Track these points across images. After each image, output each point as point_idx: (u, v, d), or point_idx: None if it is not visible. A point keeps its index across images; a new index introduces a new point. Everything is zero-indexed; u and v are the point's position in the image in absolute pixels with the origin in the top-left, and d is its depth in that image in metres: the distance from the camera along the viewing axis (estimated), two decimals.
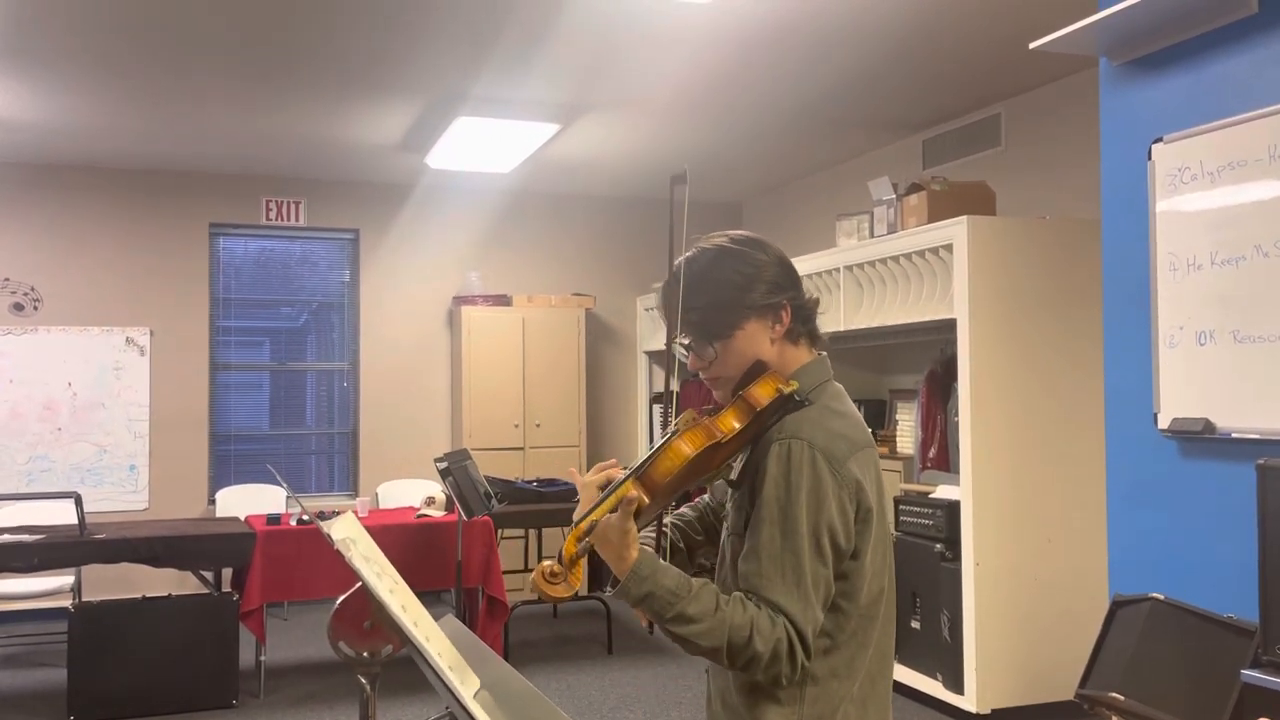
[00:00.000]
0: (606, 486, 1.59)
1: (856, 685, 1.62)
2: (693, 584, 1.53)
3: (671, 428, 1.63)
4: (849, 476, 1.58)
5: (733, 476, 1.71)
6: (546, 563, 1.52)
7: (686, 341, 1.70)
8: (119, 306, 6.95)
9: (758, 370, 1.65)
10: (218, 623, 4.88)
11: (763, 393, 1.60)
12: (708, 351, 1.68)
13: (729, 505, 1.73)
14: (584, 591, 7.15)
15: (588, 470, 1.68)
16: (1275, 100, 2.97)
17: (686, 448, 1.55)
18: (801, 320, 1.71)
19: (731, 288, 1.65)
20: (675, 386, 1.73)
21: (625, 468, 1.64)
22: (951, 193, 4.89)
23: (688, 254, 1.71)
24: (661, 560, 1.56)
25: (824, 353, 1.75)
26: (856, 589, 1.60)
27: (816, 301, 1.75)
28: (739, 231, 1.74)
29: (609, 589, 1.55)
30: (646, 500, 1.54)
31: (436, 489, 6.08)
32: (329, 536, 1.48)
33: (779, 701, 1.58)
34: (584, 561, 1.53)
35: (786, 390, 1.61)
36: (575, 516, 1.58)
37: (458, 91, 5.29)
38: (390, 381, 7.52)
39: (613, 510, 1.53)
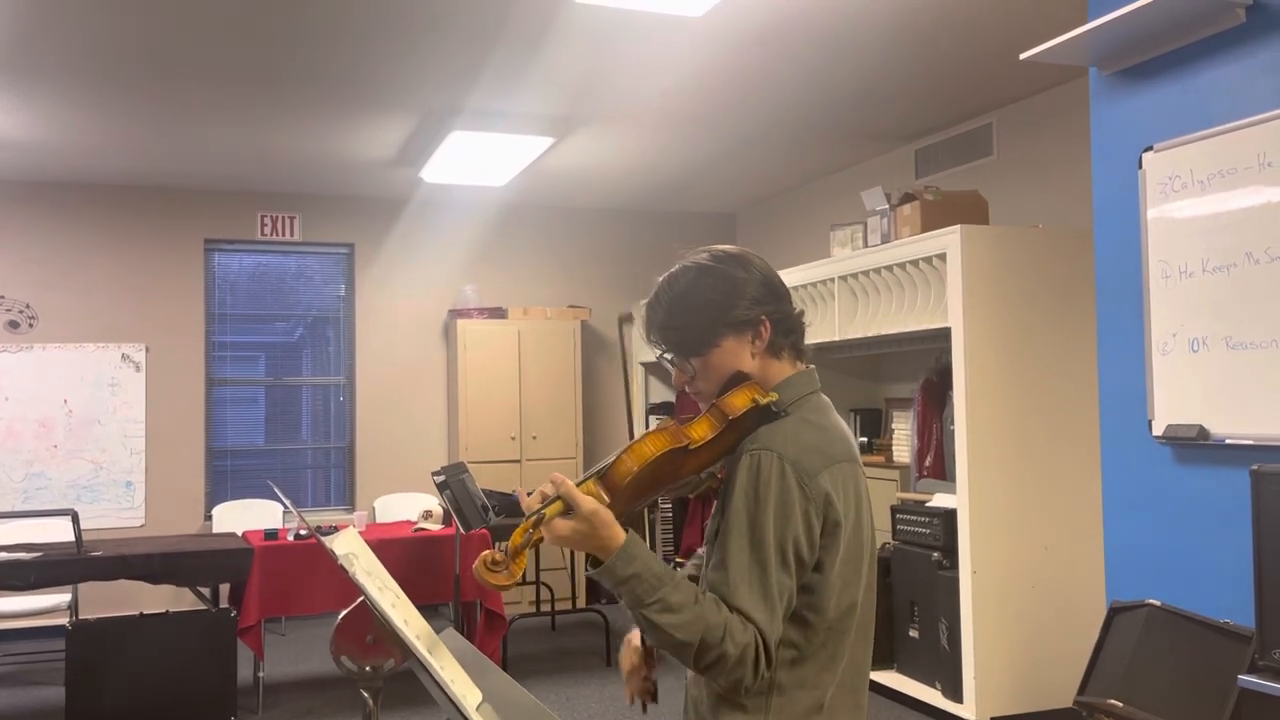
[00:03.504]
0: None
1: (826, 697, 1.61)
2: (675, 574, 1.52)
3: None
4: (818, 490, 1.57)
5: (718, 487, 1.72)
6: (487, 552, 1.51)
7: (670, 357, 1.71)
8: (114, 323, 6.95)
9: (736, 381, 1.66)
10: (215, 639, 4.86)
11: (737, 402, 1.61)
12: (688, 367, 1.69)
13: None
14: (581, 603, 7.15)
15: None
16: (1264, 108, 3.00)
17: (648, 448, 1.54)
18: (784, 333, 1.70)
19: (710, 306, 1.66)
20: (645, 404, 1.73)
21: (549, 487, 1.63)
22: (945, 202, 4.91)
23: (670, 271, 1.71)
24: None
25: (811, 366, 1.74)
26: (824, 601, 1.59)
27: (801, 314, 1.74)
28: (722, 248, 1.73)
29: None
30: (606, 500, 1.52)
31: (434, 502, 6.07)
32: (331, 552, 1.49)
33: (745, 710, 1.58)
34: (527, 553, 1.50)
35: (763, 401, 1.61)
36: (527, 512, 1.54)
37: (452, 105, 5.31)
38: (386, 395, 7.52)
39: (566, 510, 1.49)
